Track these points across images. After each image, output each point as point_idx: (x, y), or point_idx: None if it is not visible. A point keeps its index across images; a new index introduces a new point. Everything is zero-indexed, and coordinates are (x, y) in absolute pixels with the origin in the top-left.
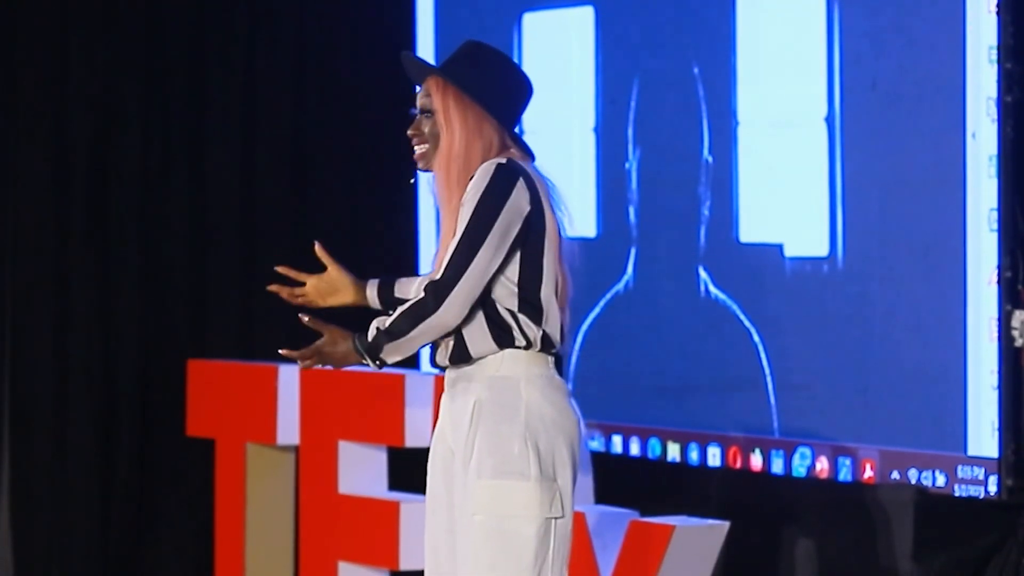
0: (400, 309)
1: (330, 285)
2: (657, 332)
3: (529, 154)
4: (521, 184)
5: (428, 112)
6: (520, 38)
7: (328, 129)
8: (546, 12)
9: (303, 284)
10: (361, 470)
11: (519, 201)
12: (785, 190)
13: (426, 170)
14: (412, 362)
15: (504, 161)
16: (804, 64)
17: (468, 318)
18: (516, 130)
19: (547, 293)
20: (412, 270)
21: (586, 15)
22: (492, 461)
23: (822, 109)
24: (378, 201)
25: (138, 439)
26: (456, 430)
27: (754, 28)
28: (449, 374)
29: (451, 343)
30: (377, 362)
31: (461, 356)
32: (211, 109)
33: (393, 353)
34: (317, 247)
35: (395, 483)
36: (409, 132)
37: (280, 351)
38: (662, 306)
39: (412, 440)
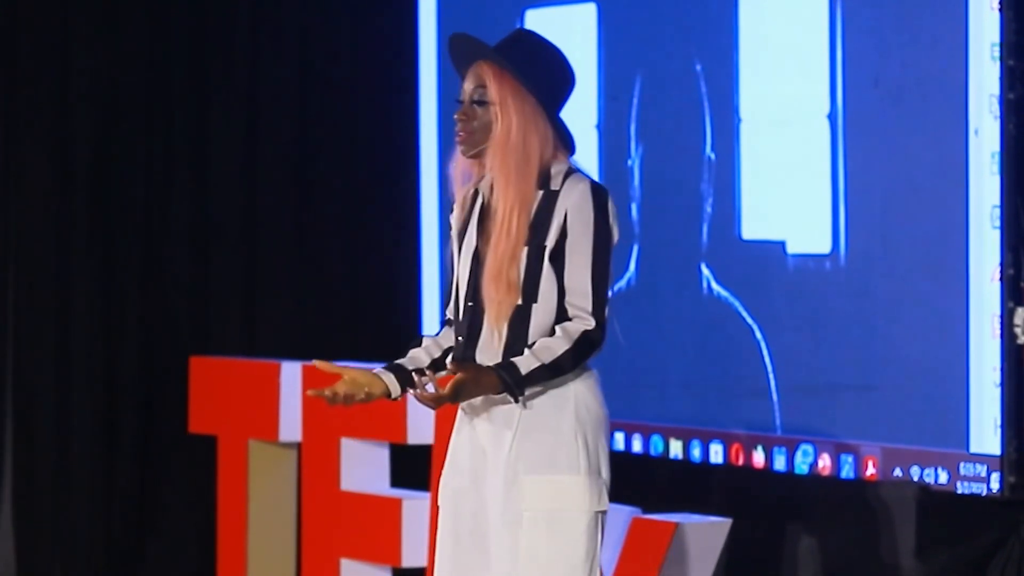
0: (564, 348)
1: (357, 379)
2: (659, 329)
3: (570, 146)
4: (612, 204)
5: (482, 101)
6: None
7: (331, 126)
8: (549, 9)
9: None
10: (363, 467)
11: (615, 222)
12: (787, 187)
13: (470, 156)
14: None
15: (593, 181)
16: (806, 61)
17: (544, 326)
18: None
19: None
20: (414, 266)
21: (589, 12)
22: (542, 456)
23: (824, 106)
24: (380, 199)
25: (140, 436)
26: (498, 426)
27: (756, 25)
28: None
29: (505, 344)
30: (517, 397)
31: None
32: (214, 106)
33: (537, 386)
34: (318, 364)
35: (397, 480)
36: (457, 117)
37: (413, 393)
38: (664, 303)
39: (414, 437)
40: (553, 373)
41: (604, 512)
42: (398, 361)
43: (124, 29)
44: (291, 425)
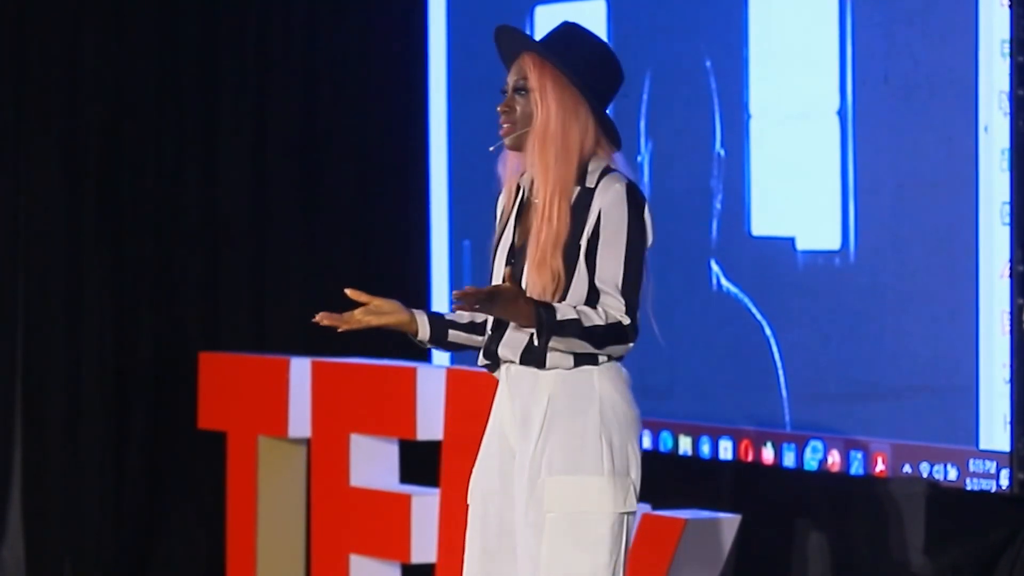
0: (601, 322)
1: (382, 307)
2: (668, 325)
3: (616, 141)
4: (647, 206)
5: (522, 90)
6: (532, 32)
7: (340, 123)
8: (559, 5)
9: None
10: (373, 463)
11: (649, 224)
12: (797, 183)
13: (513, 148)
14: (424, 355)
15: (630, 181)
16: (816, 57)
17: None
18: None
19: (641, 298)
20: (424, 263)
21: (598, 8)
22: (565, 457)
23: (834, 102)
24: (390, 195)
25: (150, 432)
26: (524, 427)
27: (766, 21)
28: (510, 369)
29: (530, 338)
30: (542, 339)
31: (535, 362)
32: (223, 102)
33: (560, 345)
34: (350, 292)
35: (407, 476)
36: (499, 108)
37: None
38: (673, 299)
39: (424, 433)
40: (583, 336)
41: (631, 513)
42: (438, 311)
43: (133, 27)
44: (300, 421)
